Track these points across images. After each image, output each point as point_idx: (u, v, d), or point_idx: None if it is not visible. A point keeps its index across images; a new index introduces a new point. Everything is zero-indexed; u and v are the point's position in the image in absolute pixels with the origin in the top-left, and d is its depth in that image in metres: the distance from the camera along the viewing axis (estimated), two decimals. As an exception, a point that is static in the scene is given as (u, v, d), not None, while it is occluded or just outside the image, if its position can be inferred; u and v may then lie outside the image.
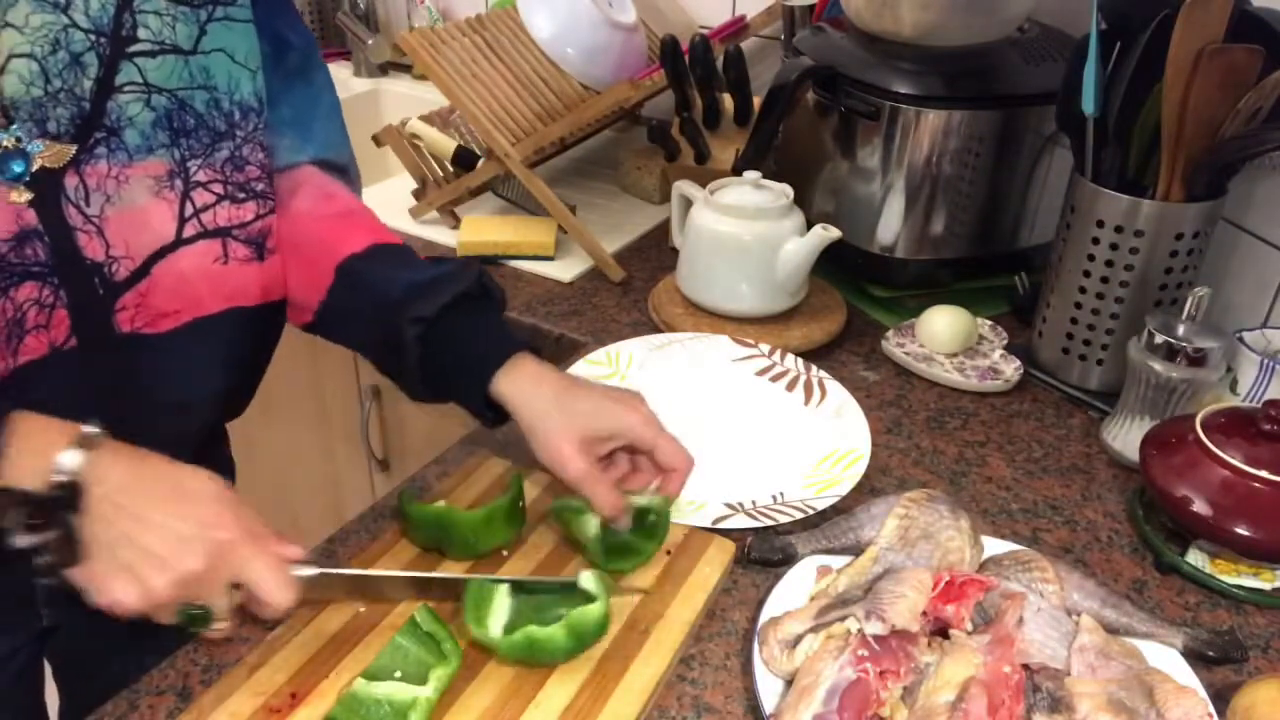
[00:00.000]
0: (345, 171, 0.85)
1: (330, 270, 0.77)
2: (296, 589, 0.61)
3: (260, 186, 0.74)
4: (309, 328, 0.81)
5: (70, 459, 0.55)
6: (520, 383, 0.73)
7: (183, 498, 0.59)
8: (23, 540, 0.54)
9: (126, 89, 0.64)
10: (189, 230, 0.70)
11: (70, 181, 0.63)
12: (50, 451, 0.55)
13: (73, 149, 0.62)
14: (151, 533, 0.57)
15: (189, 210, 0.70)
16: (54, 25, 0.60)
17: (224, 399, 0.80)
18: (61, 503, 0.55)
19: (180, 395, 0.74)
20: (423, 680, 0.63)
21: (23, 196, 0.61)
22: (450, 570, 0.74)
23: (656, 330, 1.11)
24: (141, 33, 0.64)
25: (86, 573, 0.56)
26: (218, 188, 0.71)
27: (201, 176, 0.70)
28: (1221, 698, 0.66)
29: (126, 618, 0.58)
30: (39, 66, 0.59)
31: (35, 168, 0.61)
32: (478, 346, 0.75)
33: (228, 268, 0.73)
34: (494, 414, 0.76)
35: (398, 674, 0.63)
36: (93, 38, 0.62)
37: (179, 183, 0.69)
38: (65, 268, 0.64)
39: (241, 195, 0.73)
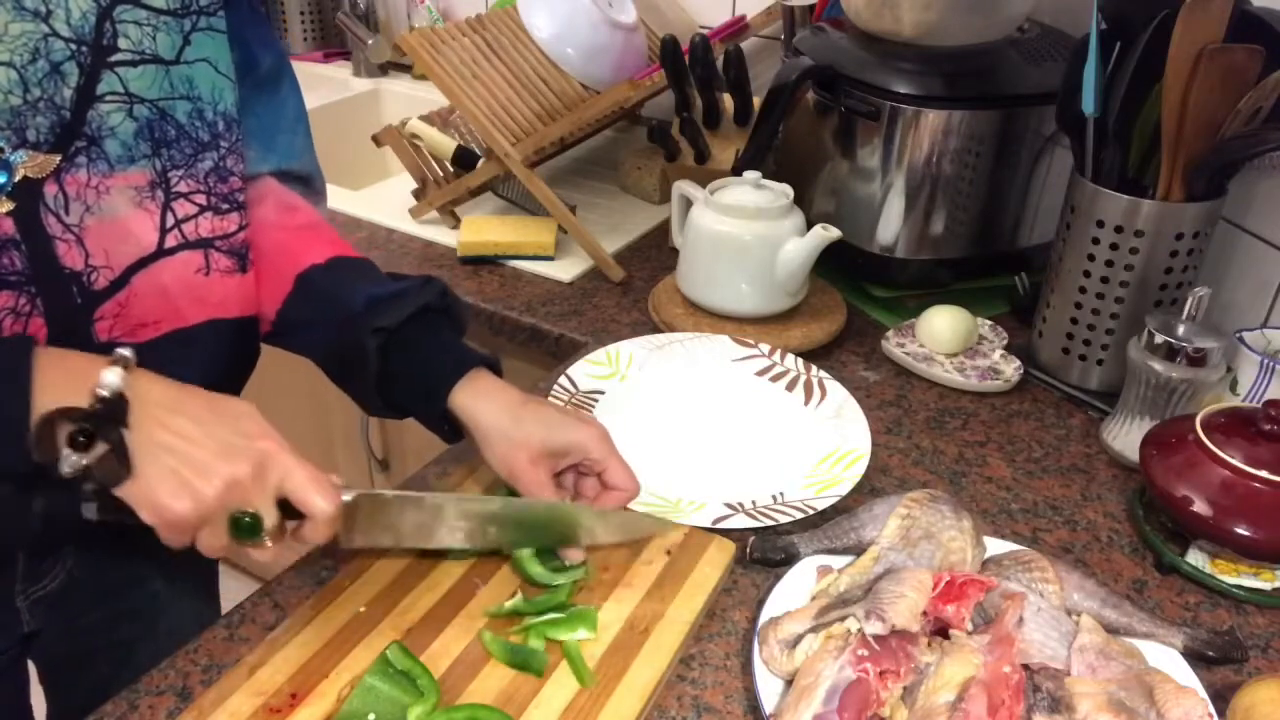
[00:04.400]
0: (308, 182, 0.84)
1: (290, 279, 0.77)
2: (337, 498, 0.61)
3: (243, 197, 0.74)
4: (267, 338, 0.81)
5: (113, 375, 0.56)
6: (478, 396, 0.74)
7: (225, 412, 0.60)
8: (70, 462, 0.54)
9: (108, 98, 0.63)
10: (170, 241, 0.70)
11: (50, 190, 0.62)
12: (89, 371, 0.55)
13: (56, 159, 0.62)
14: (198, 440, 0.57)
15: (170, 221, 0.69)
16: (34, 34, 0.59)
17: None
18: (109, 416, 0.55)
19: None
20: None
21: (3, 207, 0.60)
22: (449, 568, 0.75)
23: (656, 330, 1.11)
24: (122, 42, 0.63)
25: (134, 487, 0.56)
26: (200, 198, 0.71)
27: (183, 187, 0.70)
28: (1221, 698, 0.66)
29: (175, 546, 0.58)
30: (17, 75, 0.59)
31: (18, 178, 0.60)
32: (437, 360, 0.75)
33: (209, 279, 0.73)
34: (450, 429, 0.76)
35: (371, 717, 0.62)
36: (73, 46, 0.61)
37: (160, 193, 0.68)
38: (43, 276, 0.63)
39: (225, 206, 0.73)
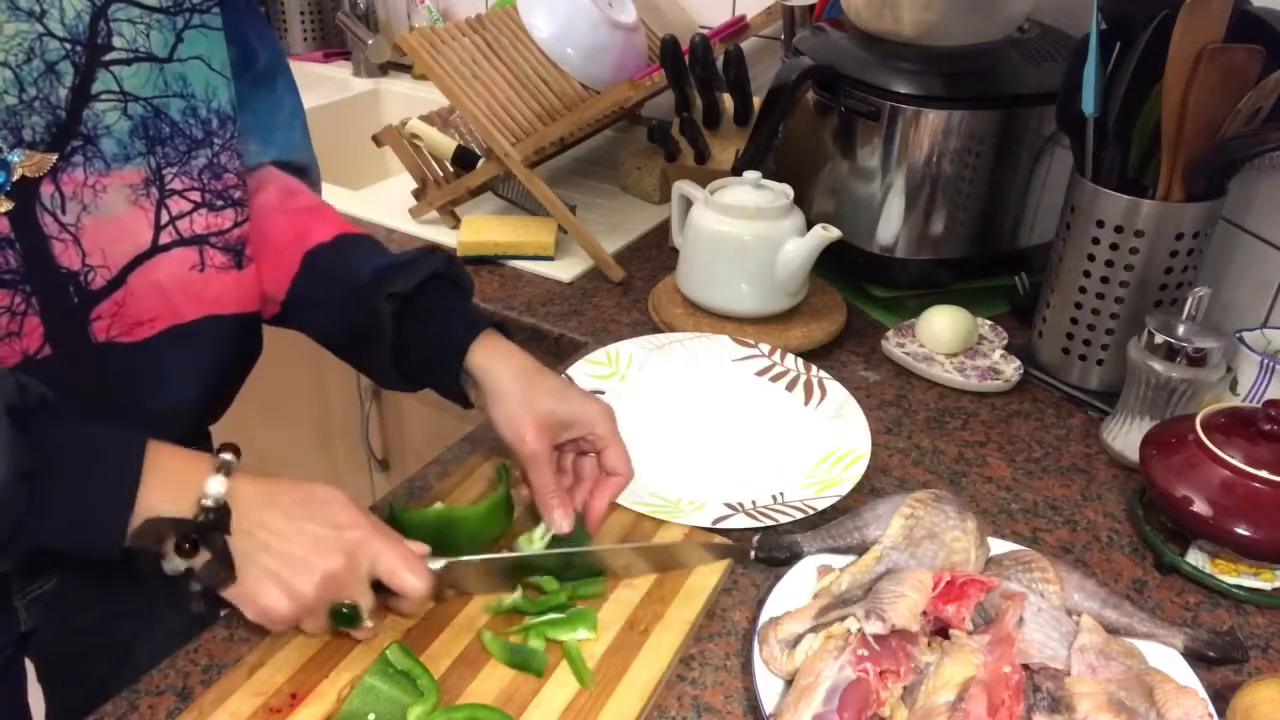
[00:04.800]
0: (305, 173, 0.86)
1: (297, 260, 0.78)
2: (430, 576, 0.64)
3: (238, 194, 0.75)
4: (276, 320, 0.82)
5: (217, 485, 0.58)
6: (494, 356, 0.75)
7: (314, 503, 0.62)
8: (174, 564, 0.57)
9: (103, 97, 0.64)
10: (165, 238, 0.70)
11: (46, 190, 0.62)
12: (194, 479, 0.58)
13: (53, 158, 0.62)
14: (291, 539, 0.60)
15: (164, 218, 0.70)
16: (28, 34, 0.59)
17: (201, 407, 0.79)
18: (213, 526, 0.58)
19: (157, 404, 0.74)
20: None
21: (1, 207, 0.61)
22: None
23: (656, 330, 1.11)
24: (116, 41, 0.63)
25: (237, 589, 0.59)
26: (195, 195, 0.71)
27: (177, 184, 0.70)
28: (1221, 698, 0.66)
29: (277, 629, 0.62)
30: (13, 75, 0.59)
31: (15, 177, 0.61)
32: (450, 323, 0.76)
33: (205, 276, 0.73)
34: (464, 393, 0.77)
35: (371, 717, 0.62)
36: (68, 46, 0.61)
37: (154, 190, 0.68)
38: (38, 276, 0.64)
39: (219, 203, 0.73)
